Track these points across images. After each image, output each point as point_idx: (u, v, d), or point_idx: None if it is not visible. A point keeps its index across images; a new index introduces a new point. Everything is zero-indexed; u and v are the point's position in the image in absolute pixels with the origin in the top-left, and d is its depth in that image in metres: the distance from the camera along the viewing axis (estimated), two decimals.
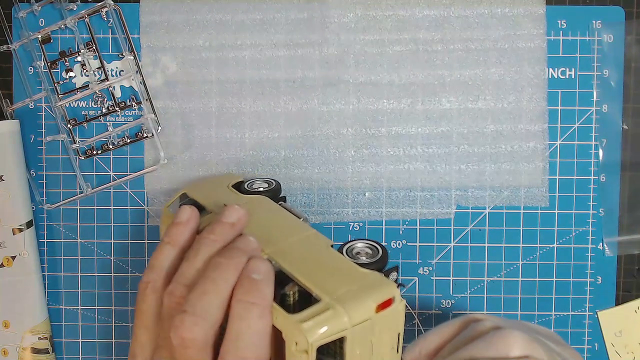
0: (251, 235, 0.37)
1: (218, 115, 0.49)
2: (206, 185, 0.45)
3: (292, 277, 0.35)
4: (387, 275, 0.37)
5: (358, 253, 0.38)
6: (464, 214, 0.49)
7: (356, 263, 0.36)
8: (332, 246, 0.38)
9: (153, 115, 0.48)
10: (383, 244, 0.39)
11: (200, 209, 0.40)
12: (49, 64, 0.48)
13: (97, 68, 0.48)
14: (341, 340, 0.32)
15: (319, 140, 0.48)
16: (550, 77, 0.48)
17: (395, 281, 0.37)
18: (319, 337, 0.31)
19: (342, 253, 0.38)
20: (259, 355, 0.32)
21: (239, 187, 0.44)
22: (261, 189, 0.44)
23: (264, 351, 0.32)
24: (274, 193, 0.44)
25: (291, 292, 0.35)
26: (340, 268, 0.36)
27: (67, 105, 0.49)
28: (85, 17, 0.48)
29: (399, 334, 0.35)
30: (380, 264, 0.37)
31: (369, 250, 0.38)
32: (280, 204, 0.43)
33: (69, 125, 0.49)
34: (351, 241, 0.39)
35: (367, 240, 0.39)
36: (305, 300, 0.34)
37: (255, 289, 0.33)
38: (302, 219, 0.41)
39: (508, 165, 0.48)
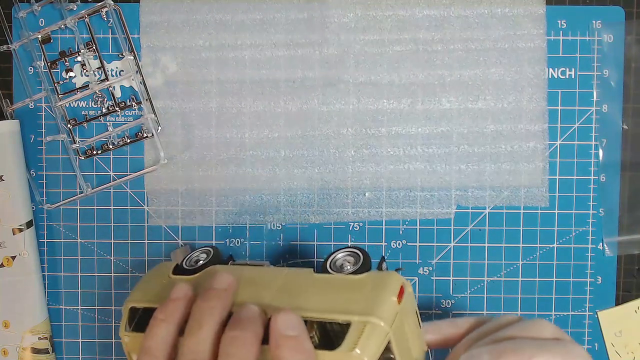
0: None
1: (218, 115, 0.49)
2: (147, 287, 0.42)
3: (308, 318, 0.34)
4: (380, 269, 0.38)
5: (342, 265, 0.38)
6: (464, 214, 0.49)
7: (348, 274, 0.37)
8: (314, 271, 0.38)
9: (153, 115, 0.48)
10: (359, 244, 0.40)
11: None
12: (49, 64, 0.48)
13: (97, 68, 0.48)
14: (387, 346, 0.33)
15: (319, 140, 0.48)
16: (550, 77, 0.48)
17: (387, 269, 0.38)
18: (373, 354, 0.32)
19: (328, 272, 0.38)
20: None
21: (180, 270, 0.42)
22: (201, 261, 0.42)
23: None
24: (217, 258, 0.43)
25: (314, 334, 0.34)
26: (340, 287, 0.36)
27: (67, 105, 0.49)
28: (85, 17, 0.48)
29: (415, 311, 0.36)
30: (367, 266, 0.38)
31: (351, 258, 0.39)
32: (230, 264, 0.42)
33: (69, 125, 0.49)
34: (329, 257, 0.39)
35: (342, 249, 0.39)
36: (326, 333, 0.34)
37: (298, 346, 0.32)
38: (264, 265, 0.41)
39: (508, 165, 0.48)
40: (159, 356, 0.34)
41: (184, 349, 0.33)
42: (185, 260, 0.43)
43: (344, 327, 0.33)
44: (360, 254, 0.38)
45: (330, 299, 0.35)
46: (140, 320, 0.39)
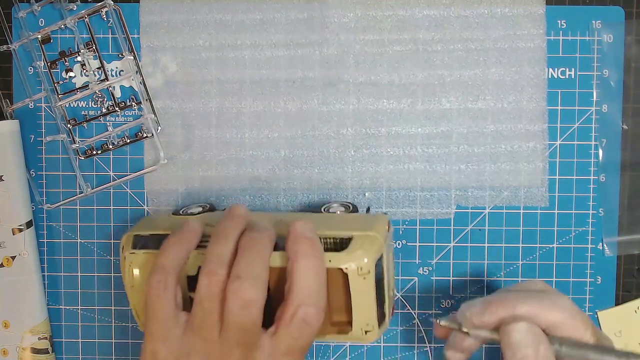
0: None
1: (218, 115, 0.49)
2: (149, 224, 0.45)
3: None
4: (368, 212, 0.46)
5: (335, 211, 0.45)
6: (463, 214, 0.49)
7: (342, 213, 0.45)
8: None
9: (153, 115, 0.48)
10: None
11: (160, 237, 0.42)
12: (49, 64, 0.48)
13: (97, 68, 0.48)
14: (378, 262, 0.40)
15: (318, 140, 0.48)
16: (550, 77, 0.48)
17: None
18: (373, 256, 0.39)
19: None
20: (324, 303, 0.37)
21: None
22: (199, 210, 0.47)
23: (325, 301, 0.38)
24: (214, 210, 0.47)
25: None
26: (338, 219, 0.43)
27: (67, 105, 0.49)
28: (85, 17, 0.48)
29: (393, 253, 0.43)
30: (357, 211, 0.45)
31: (343, 208, 0.45)
32: None
33: (68, 125, 0.49)
34: (324, 205, 0.46)
35: (334, 201, 0.47)
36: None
37: (313, 245, 0.38)
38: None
39: (508, 165, 0.48)
40: (171, 271, 0.38)
41: (211, 253, 0.38)
42: (181, 210, 0.47)
43: (345, 242, 0.39)
44: (350, 205, 0.46)
45: (331, 224, 0.41)
46: (145, 244, 0.42)
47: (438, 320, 0.40)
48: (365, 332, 0.40)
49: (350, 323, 0.40)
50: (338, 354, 0.50)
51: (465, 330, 0.39)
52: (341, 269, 0.38)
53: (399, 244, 0.49)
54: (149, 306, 0.38)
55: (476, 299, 0.40)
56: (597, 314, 0.49)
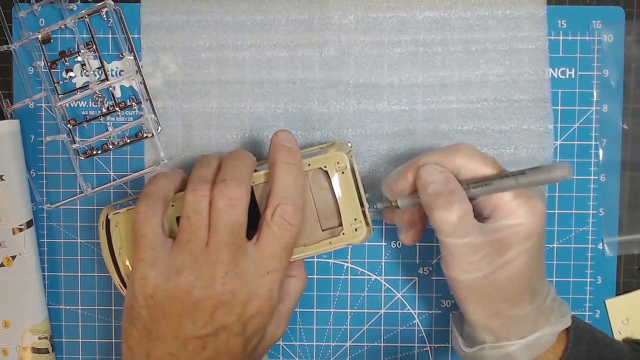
0: None
1: (218, 115, 0.49)
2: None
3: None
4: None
5: None
6: None
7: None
8: None
9: (153, 115, 0.48)
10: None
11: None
12: (49, 64, 0.48)
13: (97, 68, 0.48)
14: (353, 175, 0.42)
15: (318, 141, 0.48)
16: (550, 77, 0.48)
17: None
18: (346, 154, 0.42)
19: None
20: (302, 203, 0.40)
21: None
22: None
23: (303, 201, 0.40)
24: None
25: None
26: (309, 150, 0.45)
27: (67, 105, 0.49)
28: (85, 17, 0.48)
29: (357, 182, 0.43)
30: None
31: None
32: None
33: (69, 125, 0.49)
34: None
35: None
36: None
37: (291, 153, 0.40)
38: None
39: (510, 165, 0.48)
40: (158, 198, 0.40)
41: (194, 175, 0.40)
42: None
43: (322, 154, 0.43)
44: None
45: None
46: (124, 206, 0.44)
47: (376, 206, 0.43)
48: (355, 229, 0.42)
49: (340, 225, 0.42)
50: (338, 354, 0.50)
51: (394, 204, 0.42)
52: (321, 168, 0.42)
53: (399, 244, 0.49)
54: (137, 232, 0.39)
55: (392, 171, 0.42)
56: (604, 302, 0.49)
